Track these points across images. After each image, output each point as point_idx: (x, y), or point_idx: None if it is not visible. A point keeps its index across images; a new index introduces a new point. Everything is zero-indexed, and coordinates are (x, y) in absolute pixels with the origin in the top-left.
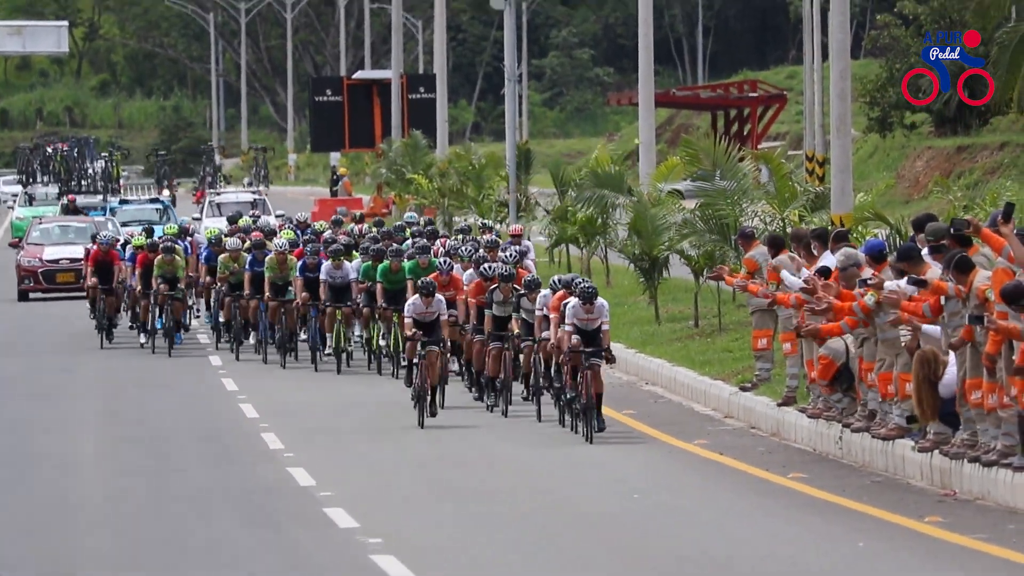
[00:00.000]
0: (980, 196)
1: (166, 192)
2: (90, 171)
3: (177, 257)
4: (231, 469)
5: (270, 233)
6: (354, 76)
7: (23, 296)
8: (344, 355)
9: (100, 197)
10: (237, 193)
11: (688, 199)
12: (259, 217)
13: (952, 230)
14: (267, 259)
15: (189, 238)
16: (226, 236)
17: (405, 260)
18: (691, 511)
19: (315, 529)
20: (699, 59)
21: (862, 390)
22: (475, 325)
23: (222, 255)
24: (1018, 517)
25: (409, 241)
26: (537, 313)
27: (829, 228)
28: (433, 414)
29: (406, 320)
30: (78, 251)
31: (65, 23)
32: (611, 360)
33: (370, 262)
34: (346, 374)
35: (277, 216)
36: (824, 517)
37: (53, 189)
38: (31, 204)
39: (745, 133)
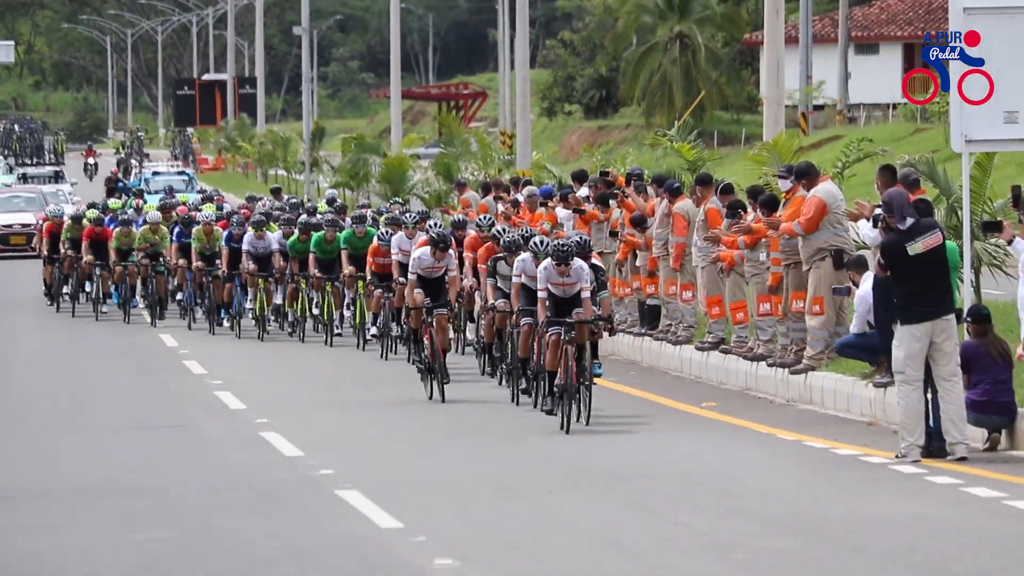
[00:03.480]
0: (613, 159)
1: (91, 159)
2: (43, 147)
3: (163, 227)
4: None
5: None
6: (203, 77)
7: None
8: (264, 321)
9: (48, 168)
10: (168, 170)
11: (423, 159)
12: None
13: (600, 175)
14: (194, 231)
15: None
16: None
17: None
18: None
19: (179, 376)
20: (430, 67)
21: None
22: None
23: (143, 227)
24: (637, 367)
25: (321, 215)
26: (514, 280)
27: (520, 177)
28: (445, 381)
29: (410, 276)
30: (28, 217)
31: (12, 42)
32: (610, 330)
33: (296, 235)
34: (269, 341)
35: (199, 192)
36: None
37: (11, 161)
38: (11, 172)
39: (461, 116)
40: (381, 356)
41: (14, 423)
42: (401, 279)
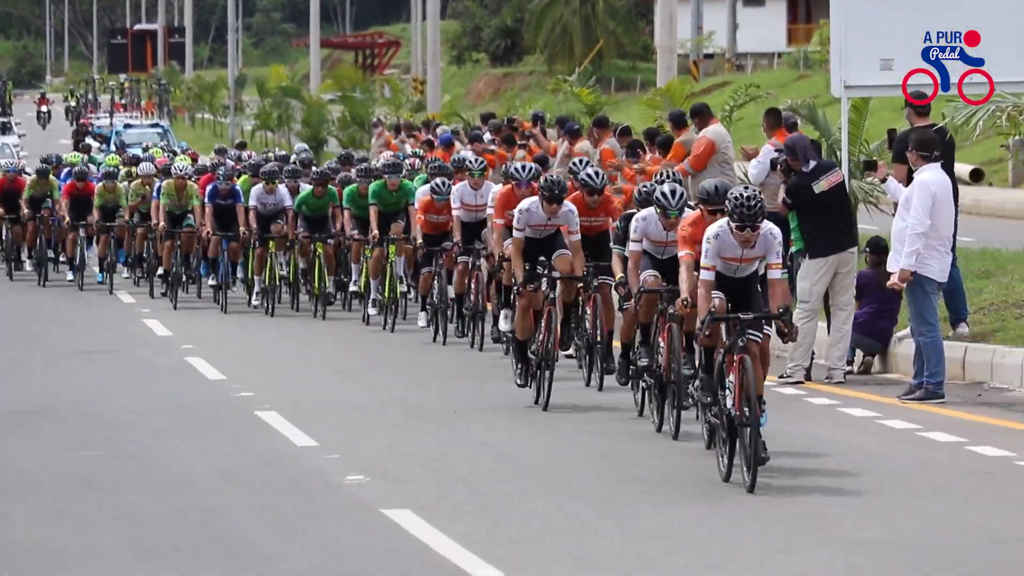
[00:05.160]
0: (521, 104)
1: (44, 107)
2: (3, 96)
3: (120, 185)
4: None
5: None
6: (135, 27)
7: None
8: (275, 293)
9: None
10: (141, 122)
11: (340, 104)
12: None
13: (507, 121)
14: (164, 184)
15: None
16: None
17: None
18: None
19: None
20: (347, 18)
21: None
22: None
23: (135, 182)
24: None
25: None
26: (632, 247)
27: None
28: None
29: (516, 236)
30: None
31: None
32: (790, 334)
33: (310, 190)
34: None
35: (168, 147)
36: None
37: None
38: None
39: (375, 64)
40: (434, 340)
41: None
42: (471, 241)
